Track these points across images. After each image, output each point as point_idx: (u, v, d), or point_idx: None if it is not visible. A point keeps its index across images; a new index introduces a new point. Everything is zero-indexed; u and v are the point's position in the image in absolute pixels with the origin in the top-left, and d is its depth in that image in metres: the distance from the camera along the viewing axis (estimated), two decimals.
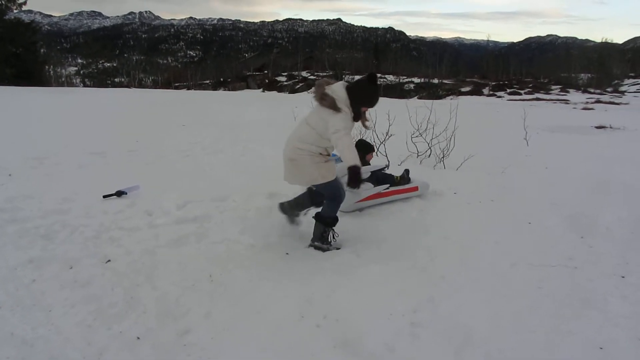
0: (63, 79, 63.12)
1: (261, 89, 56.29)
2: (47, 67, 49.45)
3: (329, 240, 4.32)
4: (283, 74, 68.35)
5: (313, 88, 4.15)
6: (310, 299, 3.28)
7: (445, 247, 4.24)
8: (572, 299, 3.35)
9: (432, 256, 4.02)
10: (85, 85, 57.00)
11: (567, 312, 3.17)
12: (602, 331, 2.95)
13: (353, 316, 3.08)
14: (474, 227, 4.78)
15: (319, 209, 4.38)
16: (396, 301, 3.26)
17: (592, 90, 51.46)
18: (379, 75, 60.92)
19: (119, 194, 5.49)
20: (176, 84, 66.53)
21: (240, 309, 3.17)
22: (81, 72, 64.86)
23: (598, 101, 36.73)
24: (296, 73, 67.56)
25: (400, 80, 59.01)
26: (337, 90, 4.02)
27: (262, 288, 3.45)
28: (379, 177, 5.49)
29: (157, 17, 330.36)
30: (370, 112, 7.48)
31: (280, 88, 56.35)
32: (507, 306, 3.23)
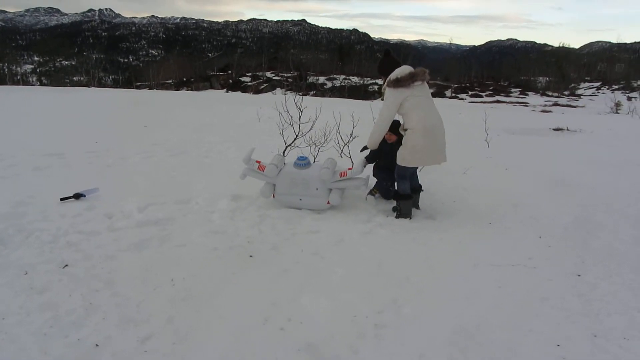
0: (18, 77, 61.09)
1: (225, 89, 55.85)
2: (1, 64, 47.78)
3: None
4: (247, 74, 68.07)
5: (416, 74, 4.87)
6: (275, 302, 3.25)
7: (409, 248, 4.28)
8: (531, 297, 3.43)
9: (395, 257, 4.06)
10: (42, 84, 55.31)
11: (527, 311, 3.25)
12: (559, 329, 3.03)
13: (317, 319, 3.07)
14: (437, 228, 4.84)
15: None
16: (360, 303, 3.27)
17: (550, 94, 53.06)
18: (342, 77, 61.33)
19: (77, 196, 5.33)
20: (137, 84, 65.29)
21: (203, 314, 3.12)
22: (37, 70, 62.97)
23: (556, 104, 37.88)
24: (260, 73, 67.34)
25: (365, 82, 59.43)
26: None
27: (226, 292, 3.41)
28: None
29: (118, 15, 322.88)
30: (334, 114, 7.54)
31: (244, 88, 56.07)
32: (469, 307, 3.28)
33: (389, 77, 4.86)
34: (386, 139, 5.32)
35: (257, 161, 5.46)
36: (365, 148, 5.28)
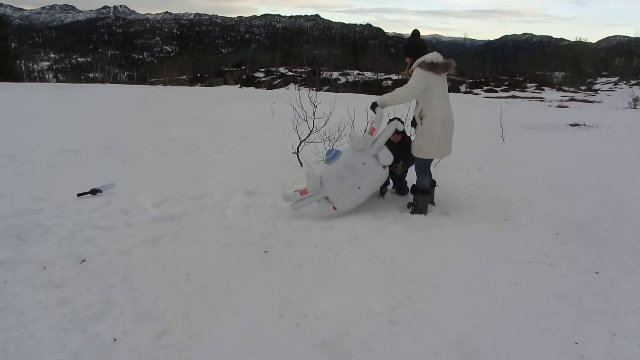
0: (35, 74, 61.86)
1: (239, 85, 55.96)
2: (18, 62, 48.42)
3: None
4: (261, 69, 68.05)
5: (449, 64, 4.78)
6: (290, 298, 3.27)
7: (423, 245, 4.26)
8: (547, 295, 3.40)
9: (410, 254, 4.04)
10: (58, 81, 55.88)
11: (543, 308, 3.22)
12: (576, 327, 3.00)
13: (332, 315, 3.08)
14: (452, 224, 4.81)
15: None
16: (375, 299, 3.27)
17: (566, 89, 52.33)
18: (356, 72, 61.12)
19: (94, 192, 5.39)
20: (152, 80, 65.62)
21: (218, 309, 3.14)
22: (54, 67, 63.70)
23: (572, 99, 37.35)
24: (274, 69, 67.33)
25: (379, 77, 59.16)
26: None
27: (241, 287, 3.43)
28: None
29: (132, 12, 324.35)
30: (348, 109, 7.49)
31: (258, 84, 56.09)
32: (484, 304, 3.26)
33: (423, 58, 4.71)
34: (391, 139, 5.32)
35: (295, 191, 5.10)
36: (375, 105, 4.91)
